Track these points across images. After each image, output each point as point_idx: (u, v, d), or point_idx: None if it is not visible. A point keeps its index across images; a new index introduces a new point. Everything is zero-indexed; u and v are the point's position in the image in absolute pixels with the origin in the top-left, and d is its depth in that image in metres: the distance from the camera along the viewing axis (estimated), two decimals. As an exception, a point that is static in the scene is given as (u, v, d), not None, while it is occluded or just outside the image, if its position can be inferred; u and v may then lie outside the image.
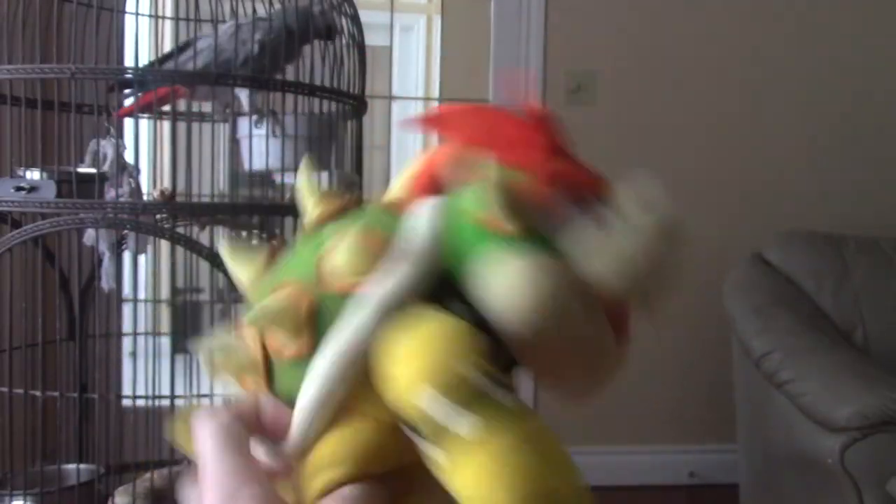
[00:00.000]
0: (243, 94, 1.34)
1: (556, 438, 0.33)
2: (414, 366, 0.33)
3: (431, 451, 0.33)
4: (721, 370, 2.32)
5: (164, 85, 1.27)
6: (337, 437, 0.36)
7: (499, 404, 0.32)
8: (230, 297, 1.48)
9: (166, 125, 1.60)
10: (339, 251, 0.37)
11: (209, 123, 1.55)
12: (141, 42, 1.37)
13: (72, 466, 1.41)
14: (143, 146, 1.56)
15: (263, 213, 1.40)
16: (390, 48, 2.84)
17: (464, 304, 0.36)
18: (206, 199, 1.48)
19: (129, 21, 1.53)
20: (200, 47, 1.29)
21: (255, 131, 1.36)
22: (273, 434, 0.37)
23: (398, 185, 0.44)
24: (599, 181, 0.42)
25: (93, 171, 1.23)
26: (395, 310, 0.35)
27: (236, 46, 1.26)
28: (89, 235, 1.30)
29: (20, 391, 1.24)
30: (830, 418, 1.71)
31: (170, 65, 1.26)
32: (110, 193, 1.23)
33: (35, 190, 1.20)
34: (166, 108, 1.63)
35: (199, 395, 1.27)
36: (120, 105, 1.37)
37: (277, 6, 1.36)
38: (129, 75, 1.24)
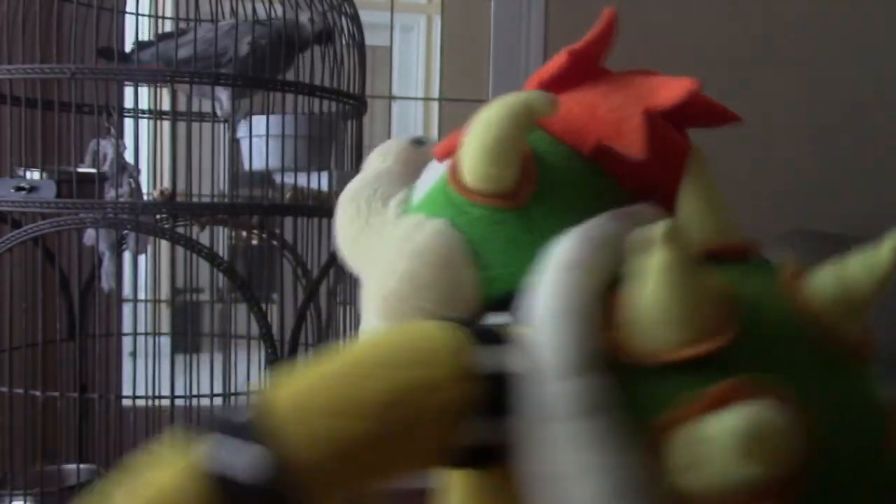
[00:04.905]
0: (224, 94, 1.33)
1: None
2: None
3: None
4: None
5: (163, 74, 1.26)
6: None
7: None
8: (230, 297, 1.48)
9: (166, 125, 1.60)
10: None
11: (209, 123, 1.55)
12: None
13: (72, 466, 1.40)
14: (143, 146, 1.56)
15: (263, 213, 1.40)
16: (390, 48, 2.84)
17: None
18: (206, 199, 1.48)
19: (129, 21, 1.53)
20: (199, 35, 1.29)
21: (254, 131, 1.36)
22: None
23: None
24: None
25: (93, 171, 1.23)
26: None
27: (235, 43, 1.26)
28: (89, 235, 1.30)
29: (20, 391, 1.24)
30: (830, 418, 1.70)
31: (168, 45, 1.25)
32: (110, 193, 1.23)
33: (35, 190, 1.20)
34: (166, 107, 1.63)
35: (199, 396, 1.27)
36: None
37: (278, 7, 1.36)
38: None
